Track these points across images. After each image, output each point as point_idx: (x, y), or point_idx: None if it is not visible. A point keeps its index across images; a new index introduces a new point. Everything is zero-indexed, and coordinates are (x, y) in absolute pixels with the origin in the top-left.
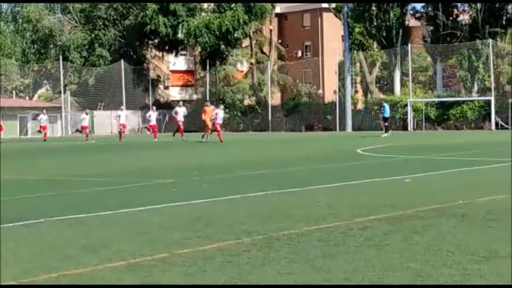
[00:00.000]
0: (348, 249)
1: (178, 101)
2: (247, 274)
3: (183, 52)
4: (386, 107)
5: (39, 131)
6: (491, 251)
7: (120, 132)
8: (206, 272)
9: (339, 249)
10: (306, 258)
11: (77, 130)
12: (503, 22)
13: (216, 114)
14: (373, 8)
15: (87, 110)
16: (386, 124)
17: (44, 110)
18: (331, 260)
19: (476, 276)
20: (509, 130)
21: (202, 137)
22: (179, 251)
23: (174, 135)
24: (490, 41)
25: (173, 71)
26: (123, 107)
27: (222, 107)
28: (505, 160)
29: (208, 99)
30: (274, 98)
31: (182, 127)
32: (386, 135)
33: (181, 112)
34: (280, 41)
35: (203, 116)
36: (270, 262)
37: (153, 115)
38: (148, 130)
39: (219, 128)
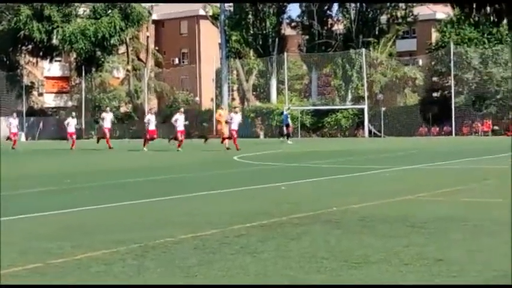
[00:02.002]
0: (223, 256)
1: (179, 108)
2: (122, 283)
3: (58, 58)
4: (287, 114)
5: (9, 138)
6: (363, 257)
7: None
8: (80, 281)
9: (215, 257)
10: (182, 267)
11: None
12: (376, 32)
13: (231, 118)
14: (250, 16)
15: (73, 113)
16: (289, 131)
17: (14, 114)
18: (207, 268)
19: (349, 282)
20: (381, 138)
21: (222, 142)
22: (53, 260)
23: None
24: (364, 50)
25: (48, 78)
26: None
27: (238, 109)
28: (377, 167)
29: (221, 103)
30: (151, 105)
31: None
32: (290, 142)
33: (181, 120)
34: (157, 48)
35: (217, 122)
36: (145, 271)
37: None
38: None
39: (235, 135)
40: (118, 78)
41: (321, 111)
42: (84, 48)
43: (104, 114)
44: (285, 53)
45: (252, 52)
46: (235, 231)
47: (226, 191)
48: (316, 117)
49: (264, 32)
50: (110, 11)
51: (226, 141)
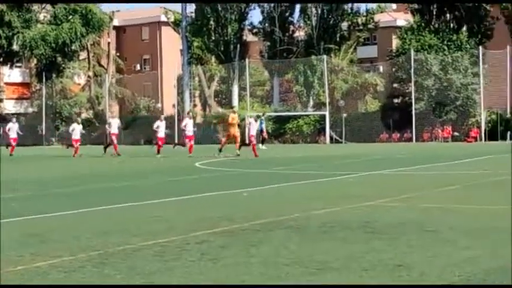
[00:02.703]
0: (184, 263)
1: (112, 112)
2: None
3: (18, 64)
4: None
5: (8, 146)
6: (324, 263)
7: (13, 146)
8: None
9: (175, 264)
10: (142, 274)
11: (68, 145)
12: (337, 39)
13: (249, 124)
14: (211, 22)
15: (79, 119)
16: (265, 136)
17: (14, 119)
18: (168, 275)
19: None
20: (343, 144)
21: (236, 149)
22: (12, 268)
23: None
24: (325, 57)
25: (8, 84)
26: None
27: (257, 116)
28: (338, 173)
29: (234, 105)
30: (112, 112)
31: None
32: (264, 147)
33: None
34: (118, 54)
35: (229, 126)
36: (105, 278)
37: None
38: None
39: (254, 141)
40: (79, 84)
41: (283, 118)
42: (44, 54)
43: (110, 120)
44: (247, 59)
45: (213, 58)
46: (196, 237)
47: (187, 197)
48: (278, 124)
49: (226, 38)
50: (70, 16)
51: (224, 146)
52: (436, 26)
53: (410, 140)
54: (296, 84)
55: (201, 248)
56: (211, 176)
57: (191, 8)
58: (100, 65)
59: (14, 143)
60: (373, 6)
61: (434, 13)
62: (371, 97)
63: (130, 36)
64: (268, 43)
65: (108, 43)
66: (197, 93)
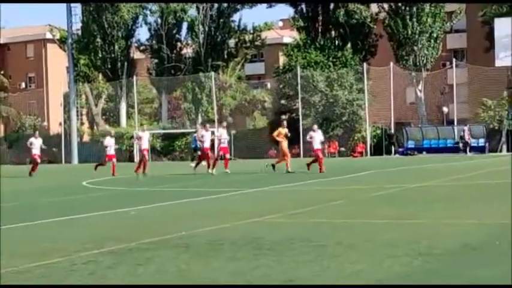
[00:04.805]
0: (72, 284)
1: (141, 126)
2: None
3: None
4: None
5: (36, 163)
6: (212, 280)
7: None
8: None
9: (63, 285)
10: None
11: (98, 164)
12: (225, 56)
13: (310, 138)
14: (98, 39)
15: (112, 131)
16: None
17: (37, 133)
18: None
19: None
20: (231, 160)
21: (280, 163)
22: None
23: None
24: (213, 73)
25: None
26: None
27: (316, 126)
28: (226, 190)
29: (283, 117)
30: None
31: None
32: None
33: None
34: (2, 72)
35: (278, 140)
36: None
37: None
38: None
39: (320, 155)
40: None
41: (172, 135)
42: None
43: (140, 133)
44: (135, 77)
45: (101, 76)
46: (83, 258)
47: (74, 217)
48: (166, 141)
49: (113, 55)
50: None
51: (289, 162)
52: (322, 43)
53: (298, 155)
54: (184, 101)
55: (88, 268)
56: (98, 195)
57: (77, 25)
58: None
59: (38, 160)
60: (259, 23)
61: (320, 30)
62: (259, 113)
63: (14, 54)
64: (156, 60)
65: None
66: (84, 111)
